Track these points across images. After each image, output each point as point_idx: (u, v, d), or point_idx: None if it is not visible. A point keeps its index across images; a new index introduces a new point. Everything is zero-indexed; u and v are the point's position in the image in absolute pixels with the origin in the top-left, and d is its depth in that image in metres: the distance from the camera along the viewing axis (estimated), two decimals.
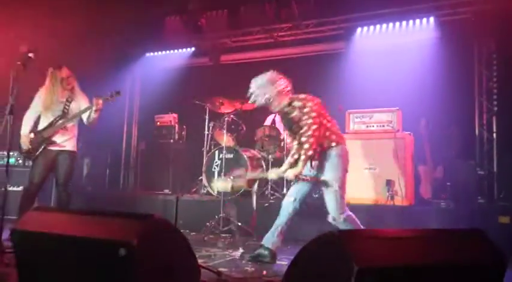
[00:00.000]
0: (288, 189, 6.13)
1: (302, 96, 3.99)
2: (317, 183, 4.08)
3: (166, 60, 8.72)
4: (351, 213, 3.91)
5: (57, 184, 4.98)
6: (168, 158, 7.40)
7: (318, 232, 2.19)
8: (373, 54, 6.85)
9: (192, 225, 5.69)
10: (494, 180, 6.35)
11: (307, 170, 4.04)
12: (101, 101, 4.82)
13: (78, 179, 7.87)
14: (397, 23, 7.04)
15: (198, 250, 4.48)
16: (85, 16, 7.54)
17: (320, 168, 3.96)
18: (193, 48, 8.57)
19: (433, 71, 6.45)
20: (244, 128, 6.80)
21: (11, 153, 4.73)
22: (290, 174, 3.96)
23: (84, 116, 4.94)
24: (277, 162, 6.48)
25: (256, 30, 7.97)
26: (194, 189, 6.98)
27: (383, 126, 5.77)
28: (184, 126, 7.81)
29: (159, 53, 8.83)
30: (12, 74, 4.17)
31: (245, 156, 6.33)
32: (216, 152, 6.55)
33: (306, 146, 3.81)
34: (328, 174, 3.91)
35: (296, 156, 3.92)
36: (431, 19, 6.81)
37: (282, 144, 6.46)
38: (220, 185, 4.65)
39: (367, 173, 5.64)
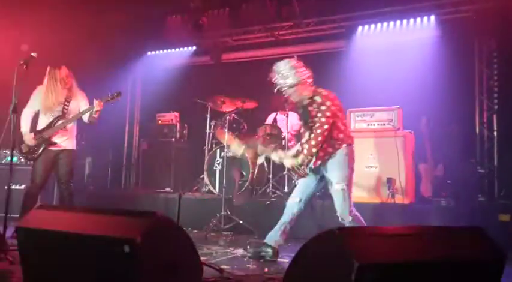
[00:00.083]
0: (289, 187, 6.19)
1: (325, 93, 3.96)
2: (322, 183, 4.12)
3: (168, 59, 8.73)
4: (357, 213, 3.94)
5: (59, 183, 5.02)
6: (170, 157, 7.42)
7: (319, 230, 2.22)
8: (374, 52, 6.86)
9: (194, 223, 5.72)
10: (495, 178, 6.37)
11: (309, 170, 4.08)
12: (101, 103, 4.84)
13: (80, 178, 7.91)
14: (398, 22, 7.04)
15: (200, 248, 4.51)
16: (87, 15, 7.57)
17: (327, 167, 3.97)
18: (194, 47, 8.58)
19: (434, 70, 6.46)
20: (246, 127, 6.82)
21: (14, 152, 4.76)
22: (288, 163, 4.02)
23: (85, 116, 4.97)
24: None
25: (257, 29, 7.99)
26: (196, 188, 7.00)
27: (384, 124, 5.79)
28: (186, 125, 7.82)
29: (161, 51, 8.84)
30: (15, 73, 4.20)
31: (247, 154, 6.34)
32: (218, 150, 6.57)
33: (313, 142, 3.85)
34: (335, 173, 3.93)
35: (300, 149, 3.97)
36: (432, 17, 6.82)
37: (283, 143, 6.48)
38: (235, 147, 4.61)
39: (368, 171, 5.66)
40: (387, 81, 6.56)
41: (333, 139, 3.92)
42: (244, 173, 6.31)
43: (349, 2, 7.28)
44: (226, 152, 6.26)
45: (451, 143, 6.35)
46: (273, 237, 4.14)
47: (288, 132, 6.54)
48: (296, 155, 4.01)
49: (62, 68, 4.96)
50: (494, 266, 2.19)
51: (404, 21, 7.00)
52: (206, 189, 6.68)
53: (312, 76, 4.05)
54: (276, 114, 7.14)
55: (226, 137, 6.23)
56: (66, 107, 4.93)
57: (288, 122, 6.59)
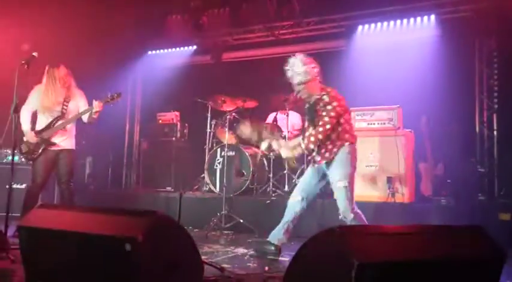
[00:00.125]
0: (289, 186, 6.21)
1: (333, 93, 3.99)
2: (323, 181, 4.15)
3: (168, 59, 8.74)
4: (359, 211, 3.98)
5: (59, 182, 5.03)
6: (170, 156, 7.43)
7: (319, 229, 2.23)
8: (374, 52, 6.87)
9: (195, 222, 5.73)
10: (495, 178, 6.38)
11: (311, 167, 4.12)
12: (101, 104, 4.85)
13: (81, 178, 7.92)
14: (398, 21, 7.05)
15: (201, 247, 4.52)
16: (87, 15, 7.57)
17: (330, 165, 4.01)
18: (195, 47, 8.59)
19: (434, 69, 6.47)
20: None
21: (15, 151, 4.77)
22: (284, 153, 4.09)
23: (84, 116, 4.98)
24: (279, 160, 6.52)
25: (257, 28, 8.00)
26: (196, 187, 7.02)
27: (384, 123, 5.80)
28: (186, 124, 7.83)
29: (161, 51, 8.85)
30: (16, 73, 4.21)
31: (247, 153, 6.37)
32: (218, 149, 6.58)
33: (312, 139, 3.91)
34: (338, 170, 3.97)
35: (300, 143, 4.02)
36: (432, 17, 6.83)
37: None
38: (244, 127, 4.65)
39: (368, 170, 5.67)
40: (387, 80, 6.57)
41: (339, 139, 3.96)
42: (244, 172, 6.32)
43: (350, 2, 7.29)
44: (227, 151, 6.28)
45: (451, 142, 6.36)
46: (276, 235, 4.17)
47: (288, 132, 6.55)
48: (294, 148, 4.08)
49: (60, 67, 4.96)
50: (494, 265, 2.20)
51: (405, 20, 7.01)
52: (207, 188, 6.69)
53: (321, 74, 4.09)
54: (277, 114, 7.15)
55: (227, 136, 6.26)
56: (65, 107, 4.94)
57: (289, 121, 6.61)
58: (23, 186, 5.57)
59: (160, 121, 7.88)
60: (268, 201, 5.85)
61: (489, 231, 2.35)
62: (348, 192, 3.91)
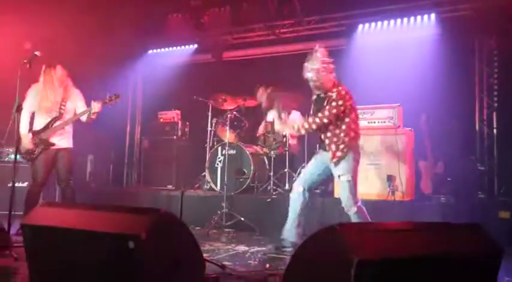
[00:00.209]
0: (290, 185, 6.23)
1: (343, 92, 4.08)
2: (326, 174, 4.26)
3: (169, 57, 8.76)
4: (363, 206, 4.07)
5: (59, 181, 5.06)
6: (171, 155, 7.45)
7: (320, 226, 2.26)
8: (374, 50, 6.88)
9: (196, 220, 5.76)
10: (495, 176, 6.40)
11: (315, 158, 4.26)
12: (99, 105, 4.87)
13: (82, 176, 7.95)
14: (399, 20, 7.06)
15: (202, 244, 4.54)
16: (88, 14, 7.59)
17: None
18: (195, 45, 8.60)
19: (434, 68, 6.49)
20: (247, 125, 6.86)
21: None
22: (277, 126, 4.33)
23: (83, 117, 5.00)
24: (280, 158, 6.55)
25: (258, 27, 8.01)
26: (197, 185, 7.05)
27: (384, 122, 5.82)
28: (187, 123, 7.85)
29: (162, 50, 8.87)
30: (19, 72, 4.24)
31: (248, 152, 6.39)
32: (219, 148, 6.60)
33: (306, 125, 4.11)
34: (341, 165, 4.06)
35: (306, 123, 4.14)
36: (432, 16, 6.84)
37: (284, 140, 6.51)
38: (260, 93, 4.71)
39: (368, 168, 5.68)
40: (387, 79, 6.59)
41: (346, 136, 4.06)
42: (245, 170, 6.35)
43: (350, 0, 7.30)
44: (228, 150, 6.31)
45: (451, 141, 6.38)
46: (289, 232, 4.25)
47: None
48: (288, 127, 4.28)
49: (57, 67, 4.96)
50: (492, 262, 2.22)
51: (405, 19, 7.02)
52: (208, 187, 6.72)
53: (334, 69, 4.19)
54: None
55: (228, 135, 6.28)
56: (63, 108, 4.95)
57: (290, 120, 6.62)
58: (25, 184, 5.59)
59: (161, 120, 7.90)
60: (268, 200, 5.87)
61: (489, 229, 2.38)
62: (351, 186, 4.01)
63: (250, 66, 8.03)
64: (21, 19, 7.24)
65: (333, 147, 4.07)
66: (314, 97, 4.33)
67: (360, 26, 7.32)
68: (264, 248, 4.58)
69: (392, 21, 7.12)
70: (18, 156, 4.66)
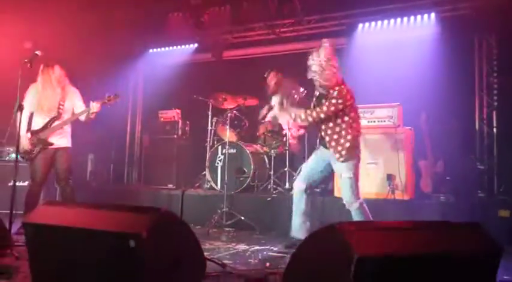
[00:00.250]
0: (290, 184, 6.25)
1: (344, 91, 4.09)
2: (327, 171, 4.31)
3: (170, 57, 8.77)
4: (364, 203, 4.12)
5: (58, 181, 5.06)
6: (172, 154, 7.46)
7: (320, 225, 2.27)
8: (374, 50, 6.89)
9: (196, 219, 5.77)
10: (494, 175, 6.41)
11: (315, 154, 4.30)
12: (98, 105, 4.88)
13: (83, 175, 7.97)
14: (398, 19, 7.07)
15: (203, 243, 4.52)
16: (89, 13, 7.61)
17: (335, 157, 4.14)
18: (196, 44, 8.61)
19: (434, 67, 6.49)
20: (247, 124, 6.87)
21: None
22: (280, 114, 4.36)
23: (82, 116, 5.01)
24: (280, 157, 6.56)
25: (258, 26, 8.02)
26: (198, 184, 7.06)
27: (384, 121, 5.83)
28: (188, 122, 7.86)
29: (162, 49, 8.87)
30: (20, 71, 4.25)
31: (248, 151, 6.40)
32: (219, 147, 6.61)
33: (303, 116, 4.16)
34: (340, 164, 4.10)
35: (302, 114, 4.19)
36: (432, 15, 6.85)
37: (284, 140, 6.53)
38: (271, 78, 4.88)
39: (368, 167, 5.69)
40: (387, 78, 6.60)
41: (349, 134, 4.11)
42: (245, 169, 6.36)
43: (350, 0, 7.31)
44: (228, 149, 6.33)
45: (451, 140, 6.39)
46: (298, 230, 4.29)
47: (289, 129, 6.57)
48: (287, 113, 4.30)
49: (55, 66, 4.96)
50: (491, 260, 2.24)
51: (405, 18, 7.03)
52: (208, 186, 6.73)
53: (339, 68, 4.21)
54: None
55: (228, 134, 6.29)
56: (61, 107, 4.95)
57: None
58: (26, 183, 5.61)
59: (161, 119, 7.91)
60: (269, 199, 5.88)
61: (488, 228, 2.39)
62: (352, 183, 4.07)
63: (251, 66, 8.03)
64: (21, 17, 7.25)
65: (333, 143, 4.11)
66: (316, 93, 4.36)
67: (360, 25, 7.33)
68: (264, 247, 4.59)
69: (392, 21, 7.13)
70: (16, 155, 4.68)
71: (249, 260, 3.99)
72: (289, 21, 7.75)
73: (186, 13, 8.19)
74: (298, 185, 4.30)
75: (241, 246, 4.61)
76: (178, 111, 7.87)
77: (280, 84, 4.53)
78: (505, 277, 3.38)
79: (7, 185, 5.84)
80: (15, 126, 4.60)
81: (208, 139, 6.93)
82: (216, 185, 6.51)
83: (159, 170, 7.52)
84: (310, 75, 4.18)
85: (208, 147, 6.87)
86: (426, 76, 6.48)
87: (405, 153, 5.62)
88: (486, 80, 6.72)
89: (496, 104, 6.63)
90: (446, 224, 2.44)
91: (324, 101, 4.15)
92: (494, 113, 6.64)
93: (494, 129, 6.59)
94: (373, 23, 7.25)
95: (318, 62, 4.10)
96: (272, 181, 6.34)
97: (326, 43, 4.18)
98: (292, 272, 2.39)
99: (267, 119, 4.65)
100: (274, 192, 6.23)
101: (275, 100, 4.43)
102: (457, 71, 6.57)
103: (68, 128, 5.07)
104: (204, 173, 6.87)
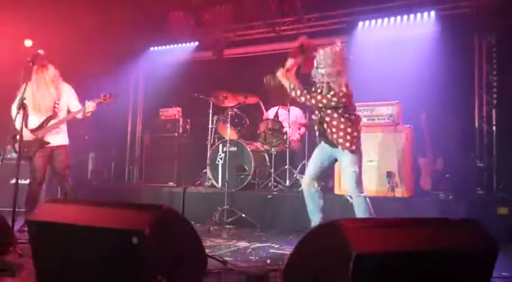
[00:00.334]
0: (290, 181, 6.29)
1: (341, 94, 4.17)
2: (330, 164, 4.47)
3: (170, 55, 8.80)
4: (368, 199, 4.23)
5: (59, 179, 5.08)
6: (173, 152, 7.49)
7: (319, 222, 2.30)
8: (374, 48, 6.91)
9: (197, 217, 5.78)
10: (494, 172, 6.44)
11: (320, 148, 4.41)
12: (94, 104, 4.88)
13: (84, 174, 8.00)
14: (398, 17, 7.10)
15: (204, 240, 4.53)
16: (90, 11, 7.63)
17: (341, 152, 4.24)
18: (196, 43, 8.64)
19: (434, 65, 6.51)
20: (248, 122, 6.89)
21: (9, 148, 4.82)
22: (281, 76, 4.41)
23: (78, 114, 5.02)
24: (280, 155, 6.59)
25: (258, 24, 8.04)
26: (198, 182, 7.09)
27: (384, 119, 5.86)
28: (189, 120, 7.88)
29: (163, 47, 8.91)
30: (22, 71, 4.27)
31: (248, 149, 6.43)
32: (220, 145, 6.64)
33: (302, 99, 4.29)
34: (348, 157, 4.21)
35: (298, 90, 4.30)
36: (432, 13, 6.88)
37: (284, 137, 6.56)
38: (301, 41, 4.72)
39: (368, 165, 5.71)
40: (387, 76, 6.61)
41: (356, 131, 4.24)
42: (246, 167, 6.39)
43: None
44: (229, 147, 6.36)
45: (451, 137, 6.42)
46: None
47: (289, 127, 6.61)
48: (286, 79, 4.37)
49: (49, 66, 4.94)
50: (488, 257, 2.27)
51: (405, 16, 7.06)
52: (209, 184, 6.76)
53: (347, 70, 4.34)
54: (278, 109, 7.21)
55: (229, 132, 6.32)
56: (57, 106, 4.96)
57: (291, 115, 6.67)
58: (27, 181, 5.64)
59: (162, 117, 7.93)
60: (269, 196, 5.91)
61: (487, 225, 2.42)
62: (357, 176, 4.20)
63: (251, 64, 8.05)
64: (21, 16, 7.27)
65: (341, 133, 4.21)
66: (320, 87, 4.40)
67: (360, 24, 7.35)
68: (265, 244, 4.62)
69: (392, 19, 7.15)
70: (15, 154, 4.71)
71: (250, 257, 4.02)
72: (289, 20, 7.78)
73: (187, 11, 8.20)
74: (309, 183, 4.40)
75: (242, 244, 4.64)
76: (179, 109, 7.90)
77: (303, 49, 4.57)
78: (503, 273, 3.41)
79: (9, 183, 5.87)
80: (15, 124, 4.60)
81: (209, 137, 6.95)
82: (217, 182, 6.53)
83: (160, 168, 7.55)
84: (317, 73, 4.27)
85: (209, 145, 6.89)
86: (426, 74, 6.50)
87: (405, 151, 5.64)
88: (486, 78, 6.75)
89: (495, 102, 6.66)
90: (444, 221, 2.46)
91: (320, 90, 4.24)
92: (493, 111, 6.67)
93: (494, 127, 6.62)
94: (373, 21, 7.28)
95: (333, 66, 4.21)
96: (273, 179, 6.37)
97: (338, 47, 4.30)
98: (292, 268, 2.42)
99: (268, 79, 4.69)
100: (274, 189, 6.26)
101: (289, 62, 4.47)
102: (456, 69, 6.59)
103: (64, 126, 5.08)
104: (204, 170, 6.90)
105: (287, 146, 6.49)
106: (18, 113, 4.32)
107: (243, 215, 5.61)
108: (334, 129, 4.22)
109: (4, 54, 6.98)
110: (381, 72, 6.66)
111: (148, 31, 8.46)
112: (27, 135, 4.82)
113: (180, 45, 8.77)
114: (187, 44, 8.71)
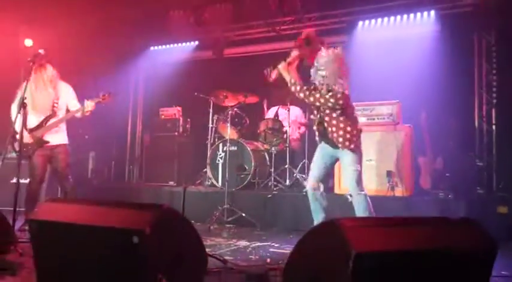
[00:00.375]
0: (290, 180, 6.29)
1: (339, 95, 4.20)
2: (332, 164, 4.50)
3: (171, 54, 8.80)
4: (368, 197, 4.24)
5: (59, 178, 5.09)
6: (173, 151, 7.49)
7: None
8: (374, 47, 6.92)
9: (197, 216, 5.79)
10: (493, 171, 6.45)
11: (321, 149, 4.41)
12: (93, 104, 4.89)
13: (84, 173, 8.01)
14: (398, 17, 7.10)
15: (204, 240, 4.53)
16: (90, 10, 7.63)
17: (342, 152, 4.27)
18: (196, 42, 8.64)
19: (434, 64, 6.51)
20: (248, 121, 6.90)
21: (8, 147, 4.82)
22: (282, 68, 4.45)
23: (77, 113, 5.03)
24: (280, 154, 6.60)
25: (258, 24, 8.04)
26: (199, 181, 7.10)
27: (383, 118, 5.87)
28: (189, 119, 7.88)
29: (163, 46, 8.91)
30: (22, 70, 4.29)
31: (249, 148, 6.44)
32: (220, 144, 6.65)
33: (298, 88, 4.32)
34: (349, 156, 4.23)
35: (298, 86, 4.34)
36: (432, 12, 6.88)
37: (284, 137, 6.56)
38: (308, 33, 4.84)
39: (368, 164, 5.72)
40: (387, 75, 6.62)
41: (354, 130, 4.26)
42: (246, 167, 6.40)
43: None
44: (229, 146, 6.36)
45: (450, 137, 6.42)
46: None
47: (289, 126, 6.62)
48: (287, 72, 4.41)
49: (47, 66, 4.94)
50: (487, 255, 2.27)
51: (405, 16, 7.06)
52: (209, 183, 6.77)
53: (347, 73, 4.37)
54: (278, 109, 7.22)
55: (229, 131, 6.33)
56: (56, 105, 4.96)
57: (291, 115, 6.68)
58: (27, 181, 5.65)
59: (162, 116, 7.94)
60: (269, 196, 5.92)
61: (487, 224, 2.43)
62: (357, 175, 4.22)
63: (251, 63, 8.04)
64: (21, 16, 7.28)
65: (341, 132, 4.22)
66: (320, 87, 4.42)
67: (360, 23, 7.36)
68: (265, 243, 4.64)
69: (392, 18, 7.15)
70: (14, 153, 4.71)
71: (250, 256, 4.04)
72: (289, 19, 7.77)
73: (187, 11, 8.21)
74: (314, 185, 4.40)
75: (242, 243, 4.65)
76: (179, 108, 7.91)
77: (309, 41, 4.58)
78: (503, 272, 3.42)
79: (9, 183, 5.88)
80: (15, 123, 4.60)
81: (209, 136, 6.96)
82: (217, 182, 6.54)
83: (160, 167, 7.55)
84: (317, 75, 4.29)
85: (209, 145, 6.90)
86: (426, 74, 6.50)
87: (404, 150, 5.65)
88: (485, 77, 6.75)
89: (495, 101, 6.66)
90: (443, 221, 2.47)
91: (323, 92, 4.25)
92: (493, 110, 6.67)
93: (493, 127, 6.62)
94: (373, 21, 7.28)
95: (333, 67, 4.25)
96: (273, 178, 6.38)
97: (339, 51, 4.35)
98: (292, 267, 2.43)
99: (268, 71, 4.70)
100: (274, 189, 6.26)
101: (293, 54, 4.49)
102: (456, 69, 6.60)
103: (63, 125, 5.08)
104: (205, 170, 6.91)
105: (287, 145, 6.50)
106: (18, 112, 4.32)
107: (243, 214, 5.62)
108: (334, 129, 4.23)
109: (4, 54, 6.99)
110: (381, 71, 6.66)
111: (148, 30, 8.46)
112: (25, 136, 4.82)
113: (180, 44, 8.77)
114: (187, 43, 8.71)
